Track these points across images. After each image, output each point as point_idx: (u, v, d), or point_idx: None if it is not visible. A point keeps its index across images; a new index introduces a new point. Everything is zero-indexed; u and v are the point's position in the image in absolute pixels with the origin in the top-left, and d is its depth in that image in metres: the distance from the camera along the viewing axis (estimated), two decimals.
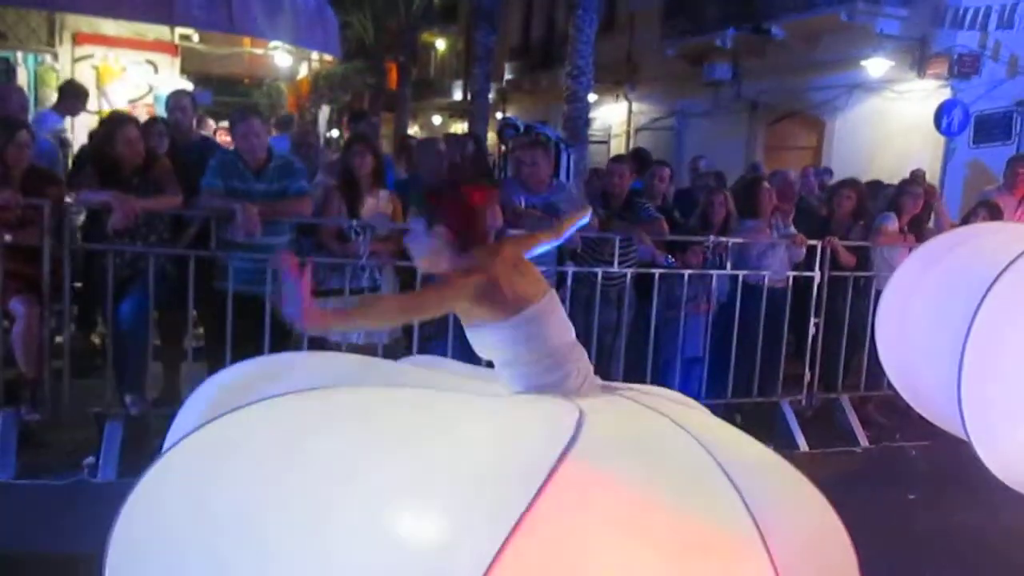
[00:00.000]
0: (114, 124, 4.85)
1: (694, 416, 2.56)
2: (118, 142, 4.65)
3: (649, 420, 2.34)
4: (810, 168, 9.29)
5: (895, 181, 10.15)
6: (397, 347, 5.15)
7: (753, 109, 15.95)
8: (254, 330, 4.81)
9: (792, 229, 6.06)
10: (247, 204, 4.58)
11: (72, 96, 7.32)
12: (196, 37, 10.61)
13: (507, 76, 25.18)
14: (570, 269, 5.07)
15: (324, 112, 28.15)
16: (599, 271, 5.23)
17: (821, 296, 5.91)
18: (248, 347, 4.77)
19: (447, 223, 2.59)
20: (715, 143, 15.76)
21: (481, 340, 2.62)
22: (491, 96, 21.90)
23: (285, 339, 5.11)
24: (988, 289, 4.06)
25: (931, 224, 6.59)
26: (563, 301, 5.21)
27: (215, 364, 4.31)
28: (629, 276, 5.42)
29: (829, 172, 9.91)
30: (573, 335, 2.67)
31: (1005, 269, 4.07)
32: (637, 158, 7.61)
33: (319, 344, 5.16)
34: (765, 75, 15.25)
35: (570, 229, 3.36)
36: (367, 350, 4.87)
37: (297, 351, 5.04)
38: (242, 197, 4.71)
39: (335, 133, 25.80)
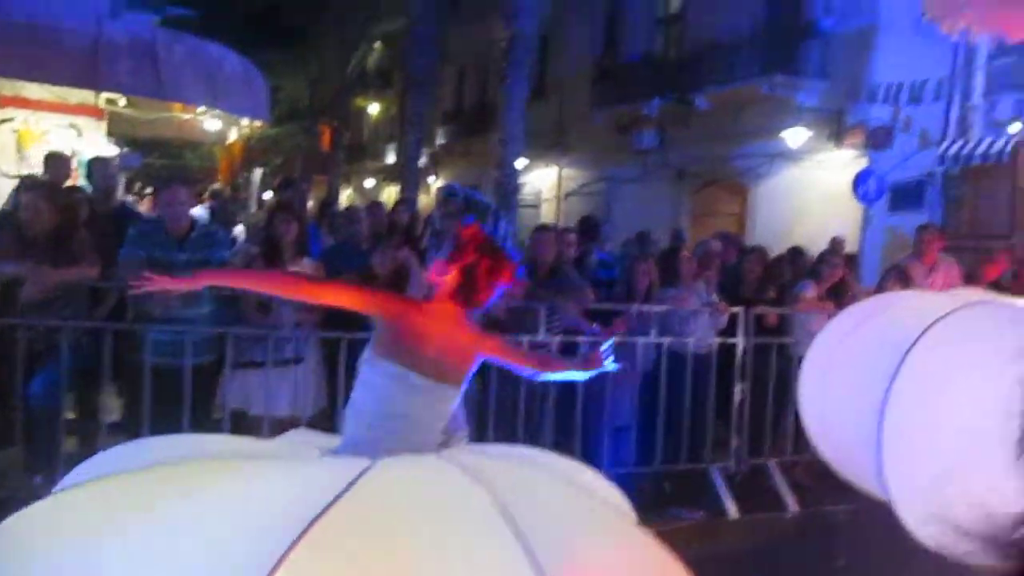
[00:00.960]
0: (26, 191, 4.72)
1: (522, 474, 2.57)
2: (30, 210, 4.53)
3: (445, 481, 2.35)
4: (724, 234, 9.53)
5: (817, 247, 10.53)
6: (321, 418, 5.03)
7: (680, 176, 16.39)
8: (173, 403, 4.67)
9: (715, 296, 6.18)
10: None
11: (55, 164, 6.90)
12: (123, 100, 10.48)
13: (440, 140, 25.46)
14: None
15: (257, 174, 27.99)
16: (525, 340, 5.23)
17: (745, 362, 6.01)
18: (167, 420, 4.63)
19: (462, 268, 2.72)
20: (644, 208, 16.12)
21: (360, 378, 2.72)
22: (424, 160, 22.09)
23: (205, 411, 4.98)
24: (903, 357, 4.17)
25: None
26: (488, 370, 5.28)
27: (133, 438, 4.14)
28: (555, 345, 5.44)
29: (729, 237, 10.14)
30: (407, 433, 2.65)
31: (919, 337, 4.20)
32: (584, 225, 7.84)
33: (240, 417, 5.04)
34: (691, 143, 15.72)
35: (552, 373, 3.34)
36: (291, 423, 4.78)
37: (220, 424, 4.94)
38: (163, 267, 4.59)
39: (269, 195, 25.67)
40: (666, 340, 5.74)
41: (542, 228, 6.25)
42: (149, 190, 9.30)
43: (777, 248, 10.16)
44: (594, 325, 5.46)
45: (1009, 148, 9.50)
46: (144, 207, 9.15)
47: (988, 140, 10.15)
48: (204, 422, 4.83)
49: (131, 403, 4.91)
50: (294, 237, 5.06)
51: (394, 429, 2.59)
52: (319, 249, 6.10)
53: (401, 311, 2.71)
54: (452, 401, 2.75)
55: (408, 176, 19.36)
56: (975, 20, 4.10)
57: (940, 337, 4.13)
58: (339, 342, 4.78)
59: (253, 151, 27.67)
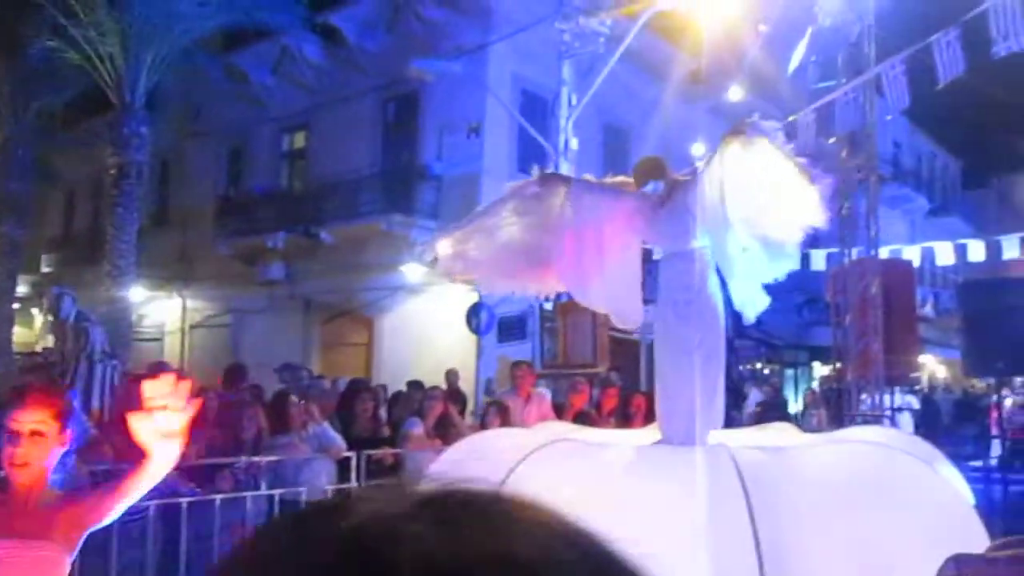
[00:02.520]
0: None
1: None
2: None
3: None
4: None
5: (438, 376, 11.06)
6: None
7: (307, 307, 16.43)
8: None
9: (329, 438, 6.17)
10: None
11: None
12: None
13: (45, 269, 23.03)
14: None
15: None
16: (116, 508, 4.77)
17: None
18: None
19: None
20: (272, 340, 15.84)
21: None
22: (25, 291, 19.77)
23: None
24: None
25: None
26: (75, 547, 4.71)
27: None
28: (152, 509, 5.03)
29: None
30: None
31: (507, 476, 4.53)
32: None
33: None
34: (318, 275, 15.89)
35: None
36: None
37: None
38: None
39: None
40: (278, 492, 5.58)
41: (134, 378, 5.83)
42: None
43: (402, 376, 10.52)
44: (193, 486, 5.15)
45: None
46: None
47: None
48: None
49: None
50: None
51: None
52: None
53: None
54: None
55: (1, 311, 17.11)
56: (483, 280, 4.83)
57: (522, 478, 4.51)
58: None
59: None
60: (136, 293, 15.30)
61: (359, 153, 15.72)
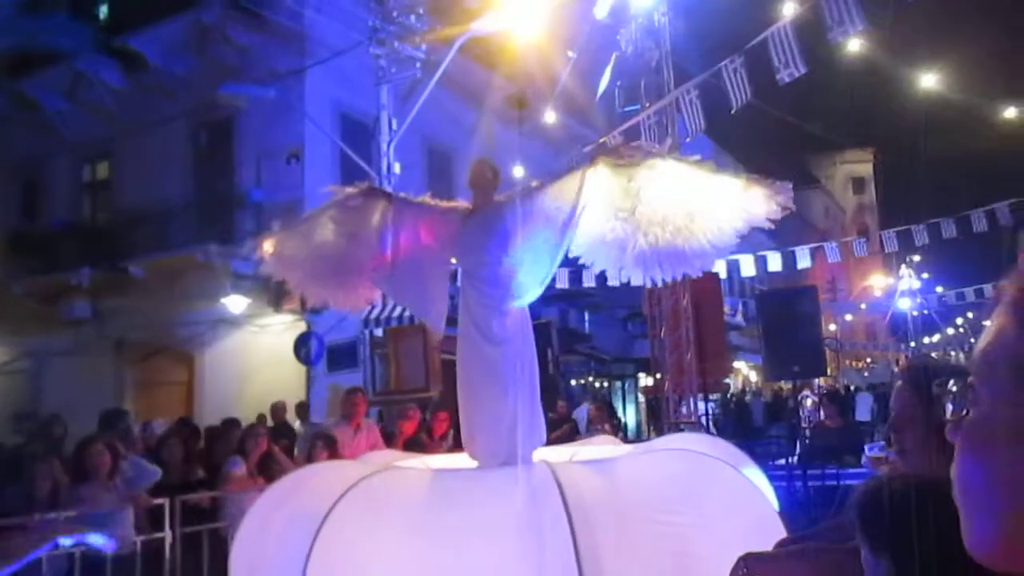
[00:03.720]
0: None
1: None
2: None
3: None
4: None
5: (265, 410, 10.62)
6: None
7: (119, 346, 15.40)
8: None
9: (142, 471, 5.78)
10: None
11: None
12: None
13: None
14: None
15: None
16: None
17: (175, 556, 5.66)
18: None
19: None
20: (80, 384, 14.73)
21: None
22: None
23: None
24: (315, 536, 4.30)
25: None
26: None
27: None
28: None
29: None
30: None
31: (329, 510, 4.38)
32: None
33: None
34: (130, 312, 14.92)
35: None
36: None
37: None
38: None
39: None
40: (78, 549, 5.13)
41: None
42: None
43: (227, 414, 9.99)
44: None
45: None
46: None
47: None
48: None
49: None
50: None
51: None
52: None
53: None
54: None
55: None
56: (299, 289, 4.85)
57: (344, 512, 4.37)
58: None
59: None
60: None
61: (169, 182, 14.97)
